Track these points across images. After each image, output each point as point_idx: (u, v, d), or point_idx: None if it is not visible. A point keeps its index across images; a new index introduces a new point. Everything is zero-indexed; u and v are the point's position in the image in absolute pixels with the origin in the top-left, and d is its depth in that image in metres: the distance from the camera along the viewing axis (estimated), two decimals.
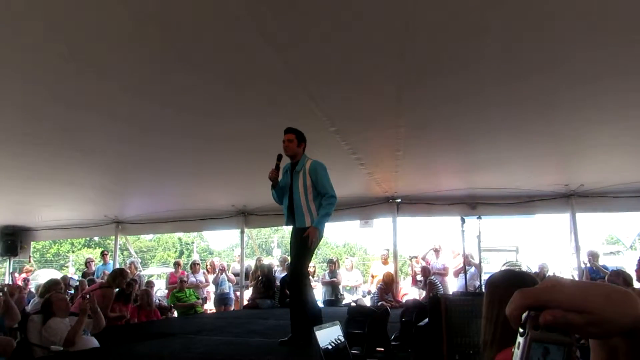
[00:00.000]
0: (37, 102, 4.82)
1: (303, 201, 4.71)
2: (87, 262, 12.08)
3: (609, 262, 10.37)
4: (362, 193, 9.22)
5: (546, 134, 5.99)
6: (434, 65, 4.25)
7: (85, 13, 3.29)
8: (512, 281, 1.81)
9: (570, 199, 8.62)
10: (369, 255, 37.61)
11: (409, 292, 10.03)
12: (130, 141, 6.18)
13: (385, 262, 10.43)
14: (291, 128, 4.80)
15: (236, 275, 10.99)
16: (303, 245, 4.66)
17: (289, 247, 5.07)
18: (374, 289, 10.26)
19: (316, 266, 12.28)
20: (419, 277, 9.81)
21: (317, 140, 5.31)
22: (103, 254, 12.41)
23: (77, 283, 9.59)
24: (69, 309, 5.17)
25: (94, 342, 5.00)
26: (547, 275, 9.10)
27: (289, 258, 7.04)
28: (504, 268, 7.57)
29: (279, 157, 4.82)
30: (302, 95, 4.79)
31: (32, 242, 12.68)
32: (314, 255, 4.99)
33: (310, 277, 10.18)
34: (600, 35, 3.66)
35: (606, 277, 7.21)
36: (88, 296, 5.34)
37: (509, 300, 0.60)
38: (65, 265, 35.09)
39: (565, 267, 10.50)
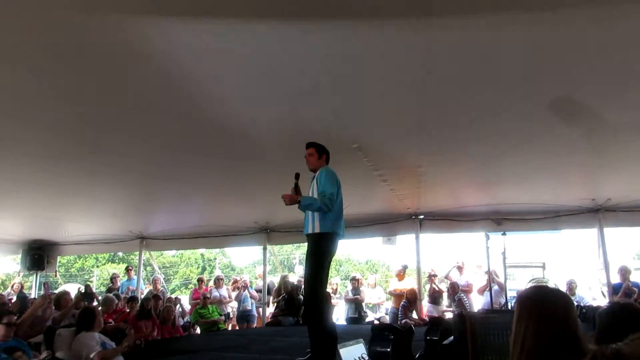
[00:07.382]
0: (66, 121, 4.92)
1: None
2: (113, 278, 12.07)
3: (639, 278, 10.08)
4: (384, 209, 9.17)
5: (572, 148, 5.90)
6: (456, 83, 4.25)
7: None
8: (542, 296, 1.82)
9: (598, 213, 8.44)
10: (391, 272, 37.22)
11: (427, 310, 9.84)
12: (155, 159, 6.27)
13: (400, 277, 10.26)
14: (311, 142, 4.83)
15: (258, 291, 10.97)
16: (311, 258, 4.52)
17: None
18: (390, 306, 10.10)
19: (338, 283, 12.16)
20: (444, 295, 9.68)
21: (340, 157, 5.31)
22: (128, 270, 12.45)
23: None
24: (102, 325, 5.35)
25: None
26: (575, 291, 8.84)
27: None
28: (530, 284, 7.42)
29: (297, 176, 4.78)
30: (324, 113, 4.82)
31: (58, 257, 12.73)
32: (327, 269, 4.62)
33: (332, 294, 10.14)
34: (623, 47, 3.62)
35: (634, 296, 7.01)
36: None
37: None
38: (90, 280, 35.53)
39: (593, 283, 10.23)
